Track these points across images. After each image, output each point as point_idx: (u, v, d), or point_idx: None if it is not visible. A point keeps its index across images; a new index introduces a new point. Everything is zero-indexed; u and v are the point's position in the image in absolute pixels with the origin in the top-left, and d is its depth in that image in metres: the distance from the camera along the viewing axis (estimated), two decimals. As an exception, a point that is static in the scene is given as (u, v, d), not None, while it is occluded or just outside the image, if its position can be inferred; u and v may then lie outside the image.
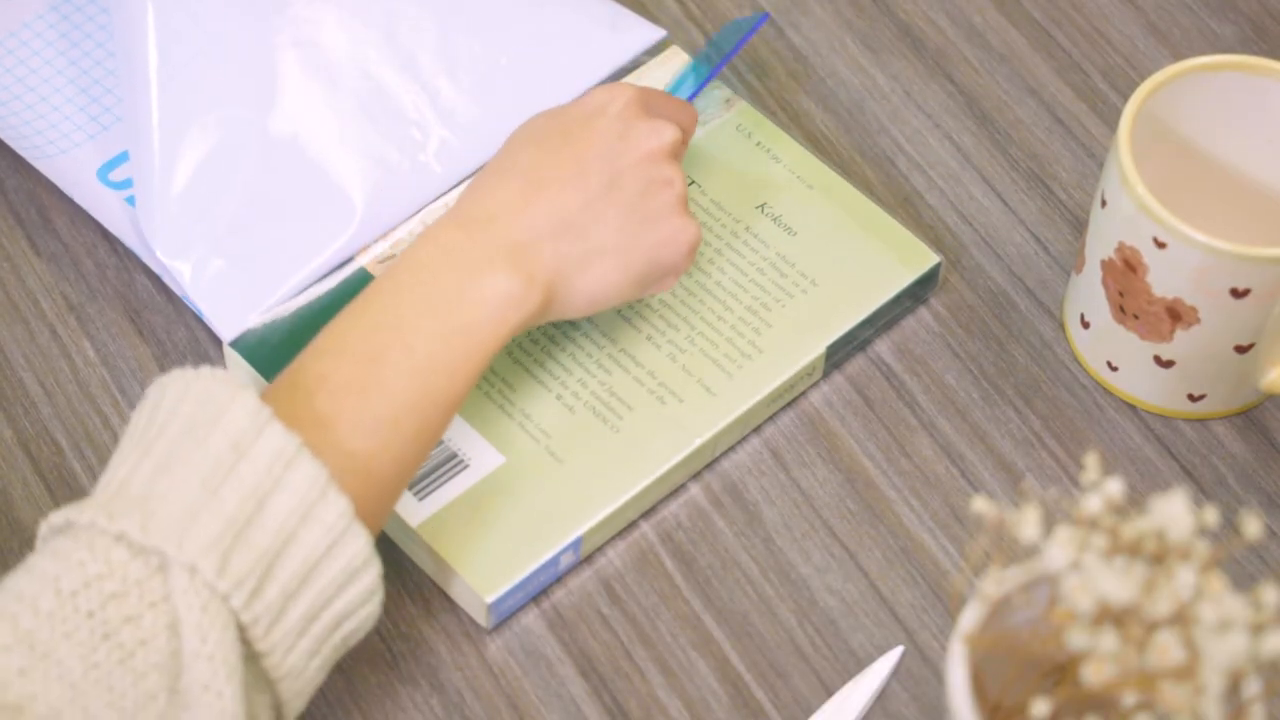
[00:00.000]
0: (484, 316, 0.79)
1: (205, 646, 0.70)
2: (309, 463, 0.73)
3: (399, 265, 0.80)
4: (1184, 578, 0.67)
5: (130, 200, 0.91)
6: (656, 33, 0.97)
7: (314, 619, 0.73)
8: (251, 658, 0.72)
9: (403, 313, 0.78)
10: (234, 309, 0.89)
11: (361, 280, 0.89)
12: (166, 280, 0.90)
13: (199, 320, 0.91)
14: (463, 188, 0.91)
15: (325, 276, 0.90)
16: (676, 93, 0.93)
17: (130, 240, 0.91)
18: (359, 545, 0.74)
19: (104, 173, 0.92)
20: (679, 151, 0.86)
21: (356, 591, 0.74)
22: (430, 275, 0.79)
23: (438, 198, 0.93)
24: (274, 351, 0.87)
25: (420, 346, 0.78)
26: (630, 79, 0.96)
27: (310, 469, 0.73)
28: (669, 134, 0.85)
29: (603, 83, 0.96)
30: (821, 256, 0.91)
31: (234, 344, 0.87)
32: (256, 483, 0.72)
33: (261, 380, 0.86)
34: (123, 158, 0.93)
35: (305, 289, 0.90)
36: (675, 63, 0.96)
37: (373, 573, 0.75)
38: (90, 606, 0.69)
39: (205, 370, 0.75)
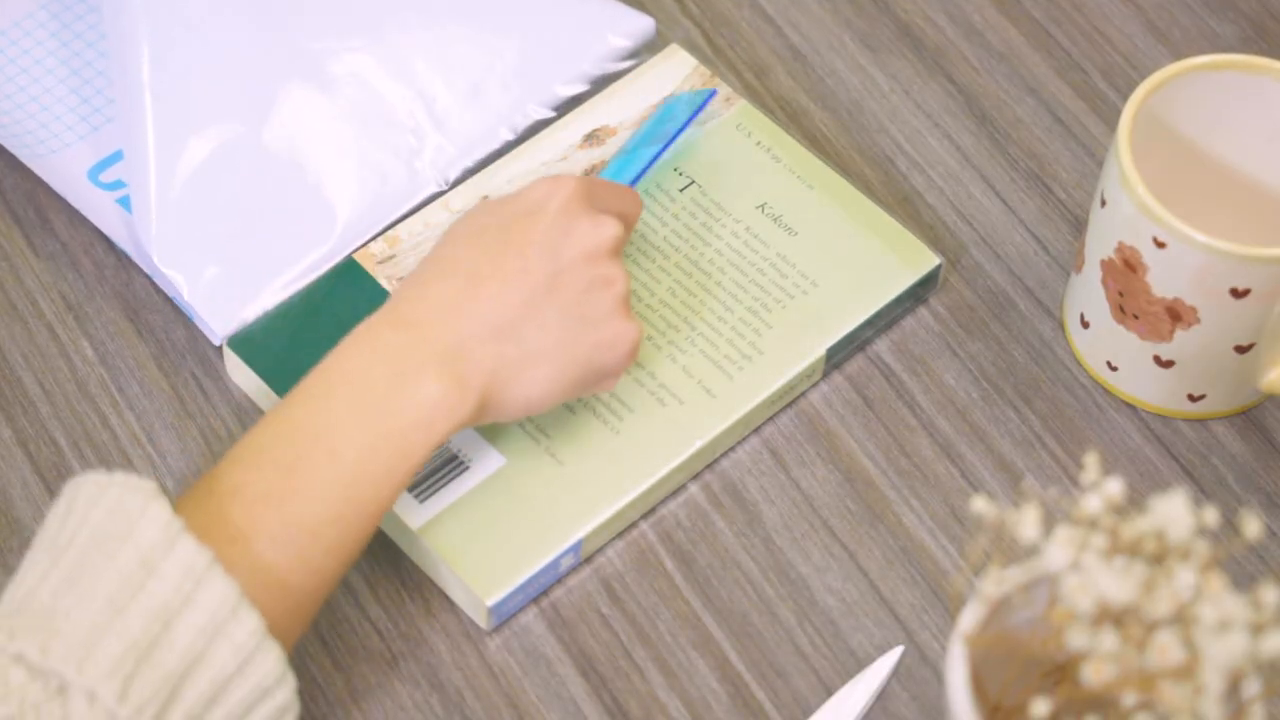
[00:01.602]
0: (414, 424, 0.77)
1: None
2: (220, 579, 0.71)
3: (328, 365, 0.78)
4: (1184, 578, 0.66)
5: (122, 201, 0.91)
6: (646, 23, 0.97)
7: None
8: None
9: (329, 417, 0.76)
10: (229, 315, 0.89)
11: (350, 271, 0.89)
12: (159, 283, 0.90)
13: (198, 320, 0.91)
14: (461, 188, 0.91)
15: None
16: (621, 175, 0.92)
17: (122, 241, 0.91)
18: (271, 663, 0.72)
19: (95, 173, 0.92)
20: (621, 247, 0.83)
21: (269, 710, 0.72)
22: (361, 378, 0.77)
23: (435, 197, 0.93)
24: (274, 353, 0.87)
25: (346, 454, 0.75)
26: (630, 79, 0.96)
27: (221, 586, 0.71)
28: (610, 230, 0.82)
29: (596, 82, 0.96)
30: (822, 257, 0.91)
31: (233, 346, 0.87)
32: (165, 601, 0.70)
33: (263, 385, 0.86)
34: (114, 158, 0.93)
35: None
36: (675, 62, 0.96)
37: (286, 690, 0.73)
38: None
39: (119, 476, 0.73)
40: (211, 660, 0.71)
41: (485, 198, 0.87)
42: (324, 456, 0.75)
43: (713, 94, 0.94)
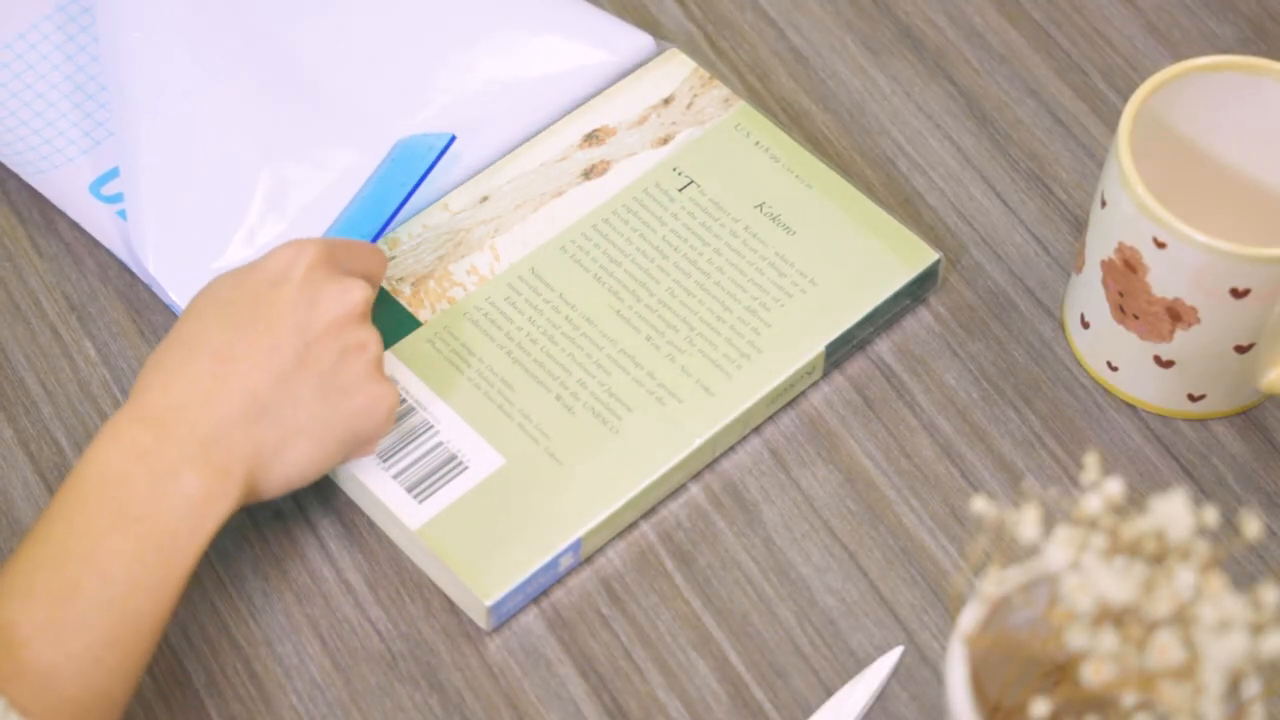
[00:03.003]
0: (181, 525, 0.75)
1: None
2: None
3: (82, 474, 0.75)
4: (1184, 578, 0.67)
5: (121, 214, 0.91)
6: (645, 40, 0.97)
7: None
8: None
9: (93, 536, 0.74)
10: None
11: None
12: (157, 291, 0.90)
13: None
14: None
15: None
16: (357, 230, 0.89)
17: (123, 254, 0.91)
18: None
19: (97, 186, 0.92)
20: (369, 309, 0.82)
21: None
22: (118, 486, 0.75)
23: (435, 199, 0.93)
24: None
25: (116, 572, 0.73)
26: (631, 80, 0.96)
27: None
28: (358, 294, 0.81)
29: (592, 98, 0.96)
30: (820, 255, 0.91)
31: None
32: None
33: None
34: (116, 171, 0.93)
35: None
36: (674, 65, 0.96)
37: None
38: None
39: None
40: None
41: (227, 270, 0.84)
42: (95, 580, 0.73)
43: (452, 139, 0.90)
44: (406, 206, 0.90)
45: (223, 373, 0.78)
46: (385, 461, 0.84)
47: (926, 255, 0.91)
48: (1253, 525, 0.68)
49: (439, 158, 0.90)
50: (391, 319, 0.88)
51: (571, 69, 0.96)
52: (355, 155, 0.92)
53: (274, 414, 0.78)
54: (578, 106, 0.96)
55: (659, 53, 0.98)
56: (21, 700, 0.71)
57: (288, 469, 0.79)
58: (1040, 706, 0.67)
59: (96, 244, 0.93)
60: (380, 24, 0.95)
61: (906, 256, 0.91)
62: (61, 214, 0.94)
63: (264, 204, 0.90)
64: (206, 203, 0.90)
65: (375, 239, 0.88)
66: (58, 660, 0.72)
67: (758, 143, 0.94)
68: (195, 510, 0.76)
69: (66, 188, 0.92)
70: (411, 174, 0.90)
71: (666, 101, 0.95)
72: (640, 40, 0.97)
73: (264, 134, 0.92)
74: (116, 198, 0.92)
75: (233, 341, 0.78)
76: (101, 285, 0.92)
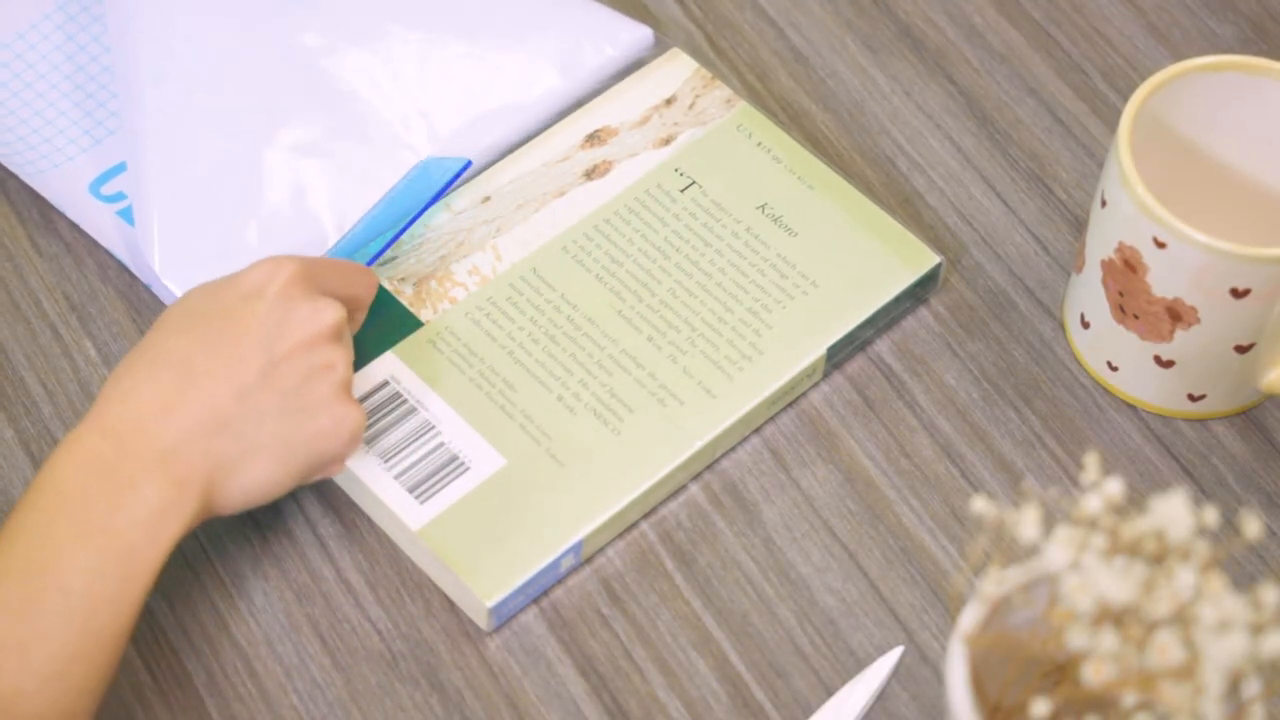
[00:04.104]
0: (140, 537, 0.75)
1: None
2: None
3: (41, 486, 0.75)
4: (1184, 578, 0.67)
5: (122, 214, 0.91)
6: (645, 33, 0.97)
7: None
8: None
9: (53, 549, 0.73)
10: None
11: None
12: (158, 293, 0.90)
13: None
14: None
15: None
16: (360, 247, 0.89)
17: (121, 254, 0.91)
18: None
19: (96, 186, 0.92)
20: (342, 330, 0.81)
21: None
22: (77, 499, 0.74)
23: (435, 199, 0.93)
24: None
25: (76, 585, 0.73)
26: (632, 81, 0.96)
27: None
28: (330, 315, 0.80)
29: (596, 94, 0.96)
30: (822, 257, 0.91)
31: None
32: None
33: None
34: (116, 170, 0.93)
35: None
36: (676, 65, 0.96)
37: None
38: None
39: None
40: None
41: (201, 284, 0.83)
42: (56, 594, 0.73)
43: (468, 164, 0.91)
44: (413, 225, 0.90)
45: (185, 386, 0.77)
46: (387, 462, 0.84)
47: (928, 258, 0.91)
48: (1253, 525, 0.68)
49: (451, 181, 0.90)
50: (393, 319, 0.88)
51: (571, 62, 0.96)
52: (360, 149, 0.92)
53: (235, 429, 0.77)
54: (576, 99, 0.96)
55: (661, 51, 0.98)
56: None
57: (246, 485, 0.78)
58: (1040, 706, 0.67)
59: (97, 243, 0.93)
60: (383, 18, 0.95)
61: (908, 259, 0.91)
62: (61, 214, 0.94)
63: (271, 202, 0.90)
64: (212, 203, 0.90)
65: (377, 256, 0.88)
66: (21, 677, 0.72)
67: (759, 143, 0.94)
68: (153, 522, 0.75)
69: (66, 188, 0.92)
70: (422, 195, 0.90)
71: (668, 102, 0.95)
72: (640, 33, 0.97)
73: (270, 132, 0.92)
74: (116, 197, 0.92)
75: (198, 355, 0.78)
76: (101, 285, 0.92)
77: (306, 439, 0.79)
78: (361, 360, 0.87)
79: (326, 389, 0.80)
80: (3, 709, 0.71)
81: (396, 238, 0.89)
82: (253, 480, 0.79)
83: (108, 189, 0.92)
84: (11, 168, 0.93)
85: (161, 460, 0.76)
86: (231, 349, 0.78)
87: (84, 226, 0.92)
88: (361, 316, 0.84)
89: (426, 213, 0.91)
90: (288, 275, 0.80)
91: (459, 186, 0.92)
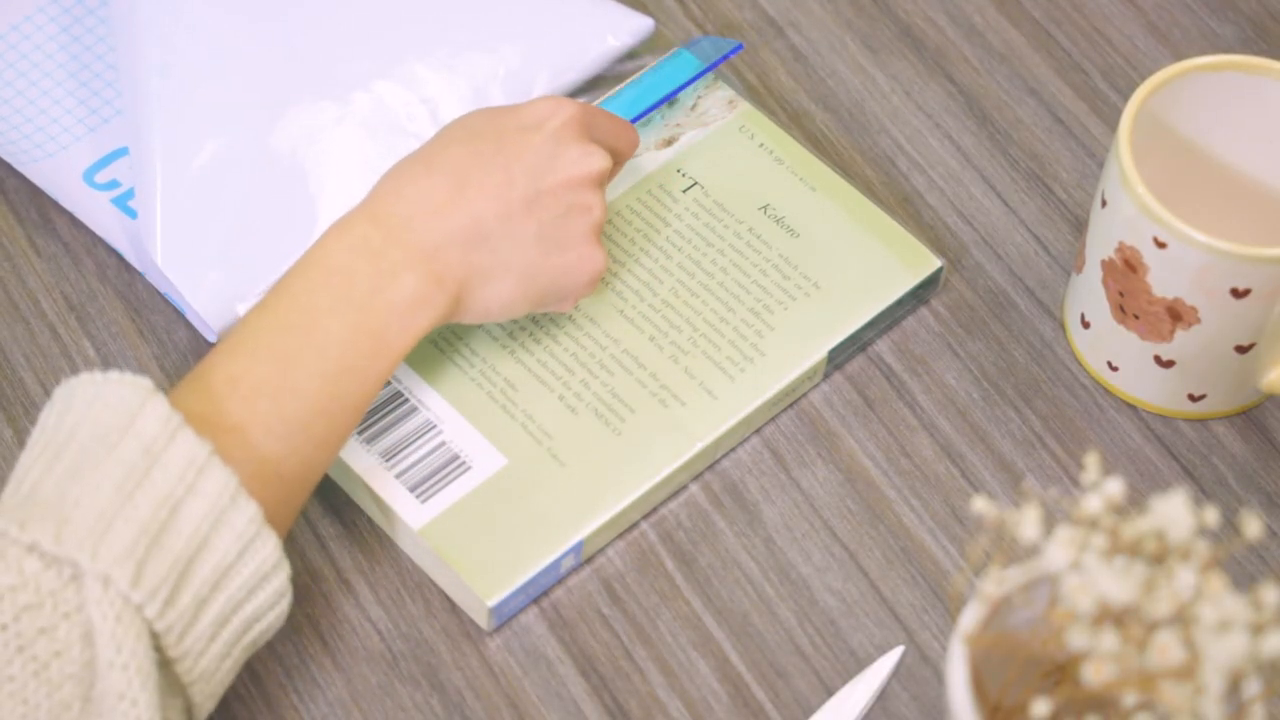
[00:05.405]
0: (394, 320, 0.79)
1: (120, 656, 0.70)
2: (219, 469, 0.73)
3: (310, 260, 0.80)
4: (1184, 578, 0.67)
5: (116, 201, 0.91)
6: (645, 23, 0.97)
7: (225, 623, 0.74)
8: (164, 663, 0.72)
9: (314, 314, 0.78)
10: (226, 312, 0.89)
11: None
12: (154, 280, 0.90)
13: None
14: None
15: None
16: (622, 106, 0.93)
17: (117, 241, 0.91)
18: (269, 550, 0.74)
19: (91, 174, 0.92)
20: (605, 179, 0.85)
21: (266, 595, 0.75)
22: (342, 274, 0.79)
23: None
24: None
25: (331, 349, 0.78)
26: (631, 81, 0.96)
27: (221, 475, 0.73)
28: (597, 161, 0.84)
29: (598, 82, 0.96)
30: (824, 259, 0.91)
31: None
32: (169, 490, 0.72)
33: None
34: (110, 158, 0.93)
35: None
36: (678, 64, 0.96)
37: (282, 576, 0.75)
38: (3, 619, 0.69)
39: (115, 375, 0.74)
40: (214, 546, 0.73)
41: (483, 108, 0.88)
42: (312, 351, 0.78)
43: (739, 47, 0.94)
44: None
45: (455, 194, 0.81)
46: (388, 461, 0.85)
47: (930, 262, 0.91)
48: (1253, 525, 0.68)
49: (719, 61, 0.94)
50: (392, 319, 0.88)
51: (573, 50, 0.96)
52: (364, 138, 0.92)
53: (492, 244, 0.81)
54: (578, 88, 0.96)
55: (663, 51, 0.98)
56: (228, 450, 0.75)
57: (489, 298, 0.82)
58: (1040, 706, 0.67)
59: (95, 243, 0.93)
60: (386, 7, 0.95)
61: (910, 262, 0.91)
62: (60, 214, 0.94)
63: (275, 191, 0.90)
64: (216, 194, 0.90)
65: (636, 119, 0.92)
66: (273, 421, 0.76)
67: (762, 145, 0.94)
68: (408, 310, 0.79)
69: (60, 177, 0.92)
70: (687, 69, 0.93)
71: (670, 103, 0.95)
72: (641, 23, 0.97)
73: (274, 122, 0.92)
74: (110, 185, 0.92)
75: (471, 168, 0.82)
76: (100, 285, 0.92)
77: (552, 269, 0.83)
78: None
79: (581, 228, 0.84)
80: (249, 449, 0.75)
81: (659, 104, 0.93)
82: (495, 295, 0.82)
83: (101, 177, 0.92)
84: (5, 156, 0.93)
85: (424, 255, 0.80)
86: (502, 171, 0.82)
87: (79, 216, 0.92)
88: (618, 170, 0.88)
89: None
90: (566, 115, 0.84)
91: None
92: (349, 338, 0.78)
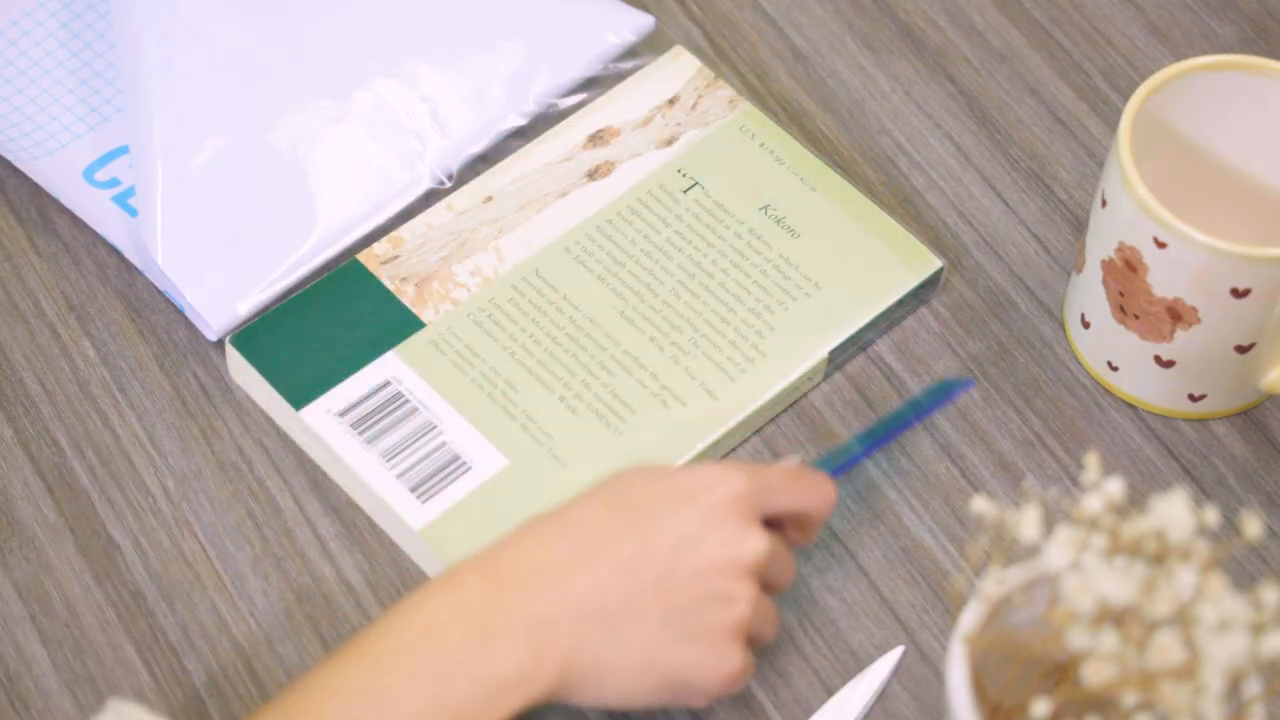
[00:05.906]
0: (479, 697, 0.71)
1: None
2: None
3: (403, 608, 0.73)
4: (1184, 578, 0.67)
5: (117, 199, 0.91)
6: (645, 20, 0.97)
7: None
8: None
9: (390, 678, 0.71)
10: (227, 311, 0.89)
11: (353, 271, 0.89)
12: (153, 278, 0.90)
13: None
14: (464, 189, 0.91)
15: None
16: (831, 465, 0.83)
17: (117, 239, 0.91)
18: None
19: (90, 172, 0.92)
20: (760, 568, 0.75)
21: None
22: (432, 633, 0.72)
23: (438, 197, 0.93)
24: (276, 351, 0.87)
25: None
26: (634, 80, 0.96)
27: None
28: (752, 548, 0.75)
29: (599, 79, 0.96)
30: (825, 259, 0.91)
31: (235, 344, 0.88)
32: None
33: (265, 383, 0.86)
34: (110, 156, 0.93)
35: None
36: (679, 64, 0.96)
37: None
38: None
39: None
40: None
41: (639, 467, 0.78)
42: None
43: (969, 384, 0.87)
44: None
45: (580, 560, 0.73)
46: (388, 461, 0.85)
47: (930, 263, 0.91)
48: (1253, 525, 0.68)
49: (947, 399, 0.86)
50: (394, 319, 0.88)
51: (573, 48, 0.96)
52: (364, 137, 0.92)
53: (610, 624, 0.73)
54: (579, 85, 0.96)
55: (664, 50, 0.98)
56: None
57: (601, 686, 0.74)
58: (1040, 706, 0.67)
59: (95, 243, 0.93)
60: (386, 5, 0.95)
61: (910, 263, 0.91)
62: (60, 213, 0.94)
63: (275, 191, 0.91)
64: (216, 194, 0.90)
65: (852, 463, 0.84)
66: None
67: (762, 144, 0.94)
68: (497, 687, 0.72)
69: (60, 174, 0.92)
70: (915, 411, 0.86)
71: (671, 102, 0.95)
72: (641, 20, 0.97)
73: (274, 121, 0.92)
74: (110, 183, 0.92)
75: (605, 535, 0.74)
76: (100, 285, 0.92)
77: (677, 663, 0.74)
78: (363, 361, 0.87)
79: (719, 621, 0.75)
80: None
81: (875, 448, 0.85)
82: (608, 683, 0.74)
83: (102, 175, 0.92)
84: (5, 154, 0.93)
85: (527, 625, 0.72)
86: (639, 542, 0.74)
87: (79, 214, 0.92)
88: (814, 531, 0.80)
89: (427, 212, 0.92)
90: (730, 489, 0.75)
91: (467, 183, 0.93)
92: (421, 713, 0.70)
